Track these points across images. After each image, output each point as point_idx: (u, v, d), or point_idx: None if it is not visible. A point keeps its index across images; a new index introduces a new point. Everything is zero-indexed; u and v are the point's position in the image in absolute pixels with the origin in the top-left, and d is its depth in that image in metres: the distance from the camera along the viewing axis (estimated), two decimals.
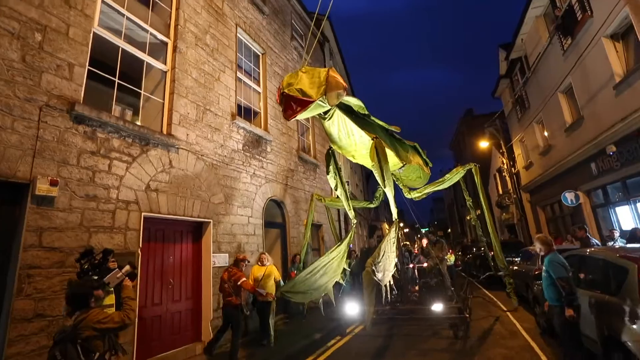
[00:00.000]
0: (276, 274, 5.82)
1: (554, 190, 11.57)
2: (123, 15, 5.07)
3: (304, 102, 2.58)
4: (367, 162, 3.45)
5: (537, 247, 3.88)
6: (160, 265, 5.15)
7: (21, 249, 3.38)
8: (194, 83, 6.07)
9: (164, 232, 5.30)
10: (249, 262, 5.72)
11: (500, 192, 19.16)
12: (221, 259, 6.05)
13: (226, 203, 6.46)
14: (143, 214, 4.66)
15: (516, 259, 9.45)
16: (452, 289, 6.76)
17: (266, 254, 6.01)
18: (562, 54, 9.88)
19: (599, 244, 6.87)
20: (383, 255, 3.03)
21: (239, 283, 4.83)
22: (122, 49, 4.96)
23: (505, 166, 16.31)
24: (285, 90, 2.64)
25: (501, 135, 16.02)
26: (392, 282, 3.65)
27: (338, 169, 3.80)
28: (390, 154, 3.70)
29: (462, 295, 6.39)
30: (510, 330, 5.84)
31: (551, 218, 13.09)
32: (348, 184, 11.23)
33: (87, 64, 4.32)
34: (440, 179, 4.91)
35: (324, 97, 2.54)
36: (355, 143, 3.45)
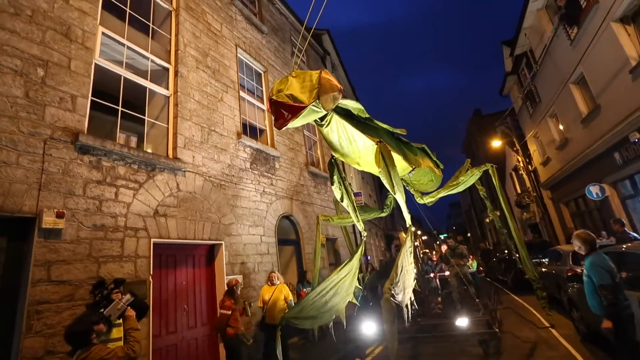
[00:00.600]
0: (287, 293, 5.52)
1: (577, 185, 11.06)
2: (123, 45, 5.15)
3: (295, 108, 2.35)
4: (374, 169, 3.20)
5: (577, 245, 3.33)
6: (173, 291, 5.03)
7: (29, 284, 3.31)
8: (197, 105, 6.09)
9: (175, 257, 5.20)
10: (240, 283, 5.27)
11: (519, 191, 18.53)
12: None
13: (237, 223, 6.35)
14: (152, 240, 4.58)
15: (544, 260, 8.96)
16: (477, 299, 6.27)
17: (276, 272, 5.73)
18: (569, 44, 9.61)
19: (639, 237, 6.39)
20: (401, 272, 2.73)
21: (221, 312, 4.55)
22: (124, 77, 5.01)
23: (521, 164, 15.80)
24: (274, 97, 2.43)
25: (514, 133, 15.60)
26: (412, 298, 3.28)
27: (342, 179, 3.53)
28: (397, 158, 3.45)
29: (490, 307, 5.94)
30: (547, 339, 5.41)
31: (576, 214, 12.48)
32: (360, 195, 11.00)
33: (90, 94, 4.35)
34: (455, 182, 4.52)
35: (318, 101, 2.32)
36: (358, 149, 3.22)
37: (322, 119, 2.82)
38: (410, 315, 3.50)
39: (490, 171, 4.65)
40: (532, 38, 12.34)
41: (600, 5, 7.89)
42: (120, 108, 4.84)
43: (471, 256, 11.06)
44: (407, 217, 3.09)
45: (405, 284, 2.75)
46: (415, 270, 2.99)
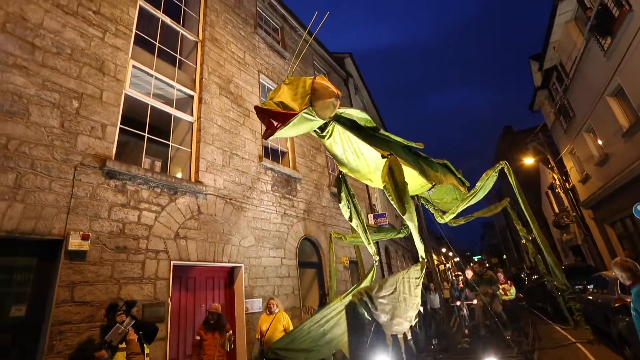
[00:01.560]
0: (286, 322, 4.93)
1: (623, 204, 10.18)
2: (152, 75, 5.49)
3: (285, 116, 2.12)
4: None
5: (618, 275, 2.92)
6: (192, 314, 5.03)
7: (53, 304, 3.43)
8: (219, 130, 6.29)
9: (195, 279, 5.24)
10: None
11: (557, 210, 17.34)
12: (255, 305, 5.82)
13: (257, 245, 6.35)
14: (172, 262, 4.65)
15: (589, 287, 8.16)
16: (509, 337, 5.50)
17: (275, 299, 5.18)
18: (602, 55, 9.15)
19: None
20: (393, 293, 2.30)
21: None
22: (152, 105, 5.31)
23: (557, 182, 14.86)
24: (260, 105, 2.22)
25: (547, 149, 14.79)
26: (406, 333, 2.74)
27: (351, 196, 3.30)
28: (413, 174, 3.21)
29: (525, 347, 5.24)
30: None
31: (623, 235, 11.41)
32: (384, 216, 10.71)
33: (119, 123, 4.62)
34: (472, 191, 4.07)
35: (311, 108, 2.12)
36: (367, 164, 2.94)
37: (322, 129, 2.60)
38: (432, 347, 3.09)
39: (505, 169, 4.18)
40: (562, 51, 11.89)
41: (635, 13, 7.50)
42: (146, 134, 5.09)
43: (509, 282, 10.29)
44: (420, 246, 2.64)
45: (396, 312, 2.30)
46: (420, 308, 2.52)
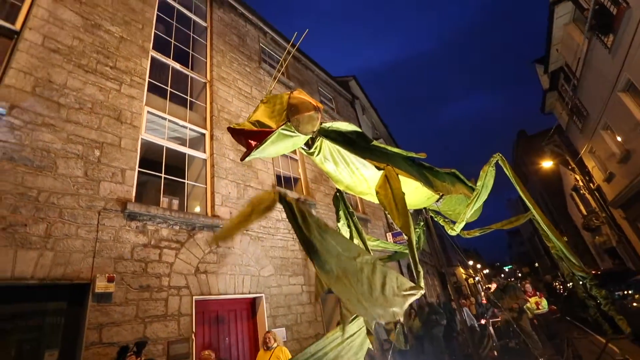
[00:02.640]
0: (285, 359, 4.34)
1: None
2: (165, 119, 5.82)
3: (261, 134, 1.95)
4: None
5: None
6: (216, 347, 5.04)
7: (83, 347, 3.55)
8: (232, 164, 6.53)
9: (217, 313, 5.29)
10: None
11: (585, 212, 16.61)
12: (278, 335, 5.76)
13: (277, 274, 6.38)
14: (194, 297, 4.74)
15: (628, 292, 7.68)
16: (542, 358, 5.05)
17: (272, 332, 4.68)
18: (607, 52, 9.07)
19: None
20: (345, 252, 1.82)
21: None
22: (166, 147, 5.60)
23: (580, 183, 14.34)
24: (234, 125, 2.04)
25: (565, 150, 14.40)
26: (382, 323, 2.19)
27: (350, 214, 3.20)
28: (417, 186, 3.02)
29: None
30: None
31: None
32: (402, 234, 10.55)
33: (137, 166, 4.90)
34: (475, 192, 3.82)
35: (289, 124, 1.97)
36: (364, 179, 2.71)
37: (309, 146, 2.39)
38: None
39: (499, 162, 3.98)
40: (565, 52, 11.84)
41: (634, 9, 7.49)
42: (162, 174, 5.35)
43: (538, 293, 9.79)
44: (419, 270, 2.09)
45: (364, 289, 1.78)
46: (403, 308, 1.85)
